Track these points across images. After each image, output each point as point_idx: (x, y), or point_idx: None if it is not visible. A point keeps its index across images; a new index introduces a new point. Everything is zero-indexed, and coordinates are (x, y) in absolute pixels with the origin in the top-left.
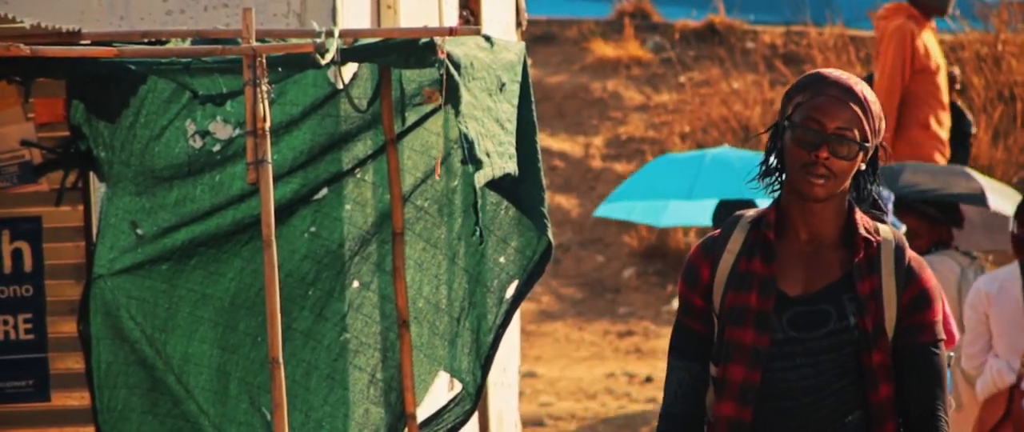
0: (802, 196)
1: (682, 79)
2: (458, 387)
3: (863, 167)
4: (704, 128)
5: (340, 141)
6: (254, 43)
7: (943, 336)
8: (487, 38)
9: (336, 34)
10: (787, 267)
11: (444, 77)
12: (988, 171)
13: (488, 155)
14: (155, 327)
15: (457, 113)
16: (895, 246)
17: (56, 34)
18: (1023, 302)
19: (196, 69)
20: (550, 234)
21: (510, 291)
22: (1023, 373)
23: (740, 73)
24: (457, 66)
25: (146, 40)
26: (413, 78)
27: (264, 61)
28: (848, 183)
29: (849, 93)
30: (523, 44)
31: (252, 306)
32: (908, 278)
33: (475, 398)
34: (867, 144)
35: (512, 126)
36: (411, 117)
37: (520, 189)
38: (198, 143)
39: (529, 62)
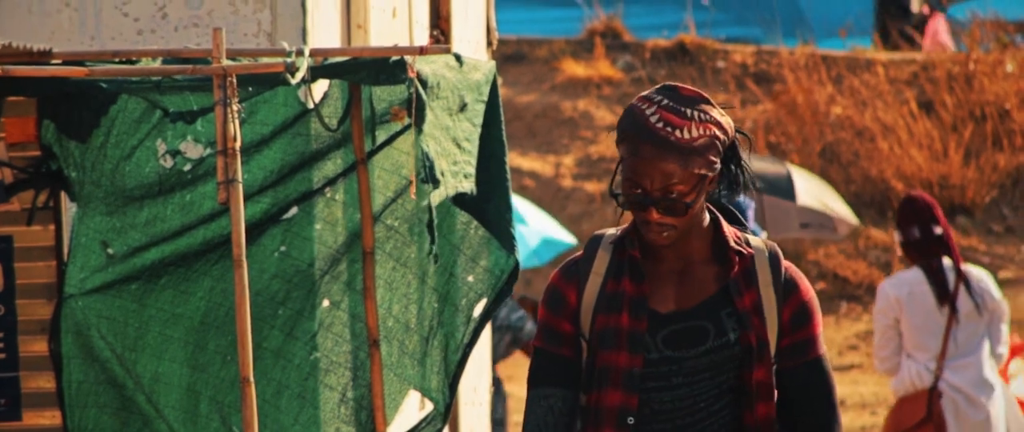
0: (649, 244)
1: None
2: (429, 406)
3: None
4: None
5: (310, 160)
6: (225, 62)
7: (825, 350)
8: (457, 57)
9: (306, 53)
10: (658, 285)
11: (414, 96)
12: (960, 191)
13: (442, 174)
14: (125, 346)
15: (419, 132)
16: (768, 256)
17: (27, 53)
18: (936, 304)
19: (167, 87)
20: (518, 253)
21: (478, 310)
22: (940, 375)
23: (711, 92)
24: (424, 84)
25: (117, 59)
26: (383, 96)
27: (234, 80)
28: (702, 211)
29: (665, 145)
30: (493, 63)
31: (222, 325)
32: (787, 290)
33: (445, 417)
34: (706, 179)
35: (471, 146)
36: (381, 136)
37: (487, 208)
38: (169, 163)
39: (499, 81)
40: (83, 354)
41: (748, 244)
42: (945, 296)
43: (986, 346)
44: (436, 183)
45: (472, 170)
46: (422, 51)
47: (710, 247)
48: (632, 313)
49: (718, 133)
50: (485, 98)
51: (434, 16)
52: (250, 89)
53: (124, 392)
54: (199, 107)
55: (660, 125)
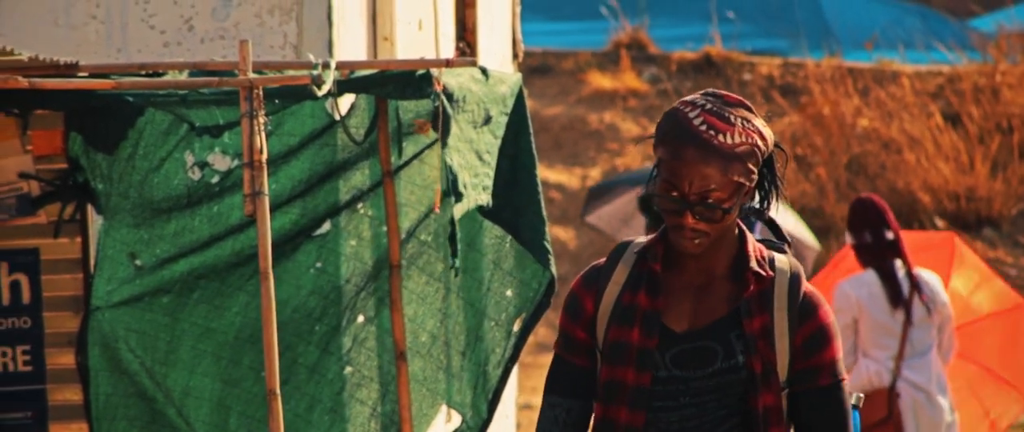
0: (680, 251)
1: None
2: (456, 420)
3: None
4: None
5: (338, 171)
6: (251, 75)
7: (844, 374)
8: (483, 70)
9: (333, 66)
10: (674, 301)
11: (440, 109)
12: (986, 203)
13: (465, 187)
14: (155, 360)
15: (444, 145)
16: (789, 279)
17: (54, 66)
18: (888, 306)
19: (193, 101)
20: (553, 266)
21: (517, 325)
22: (898, 374)
23: None
24: (450, 97)
25: (143, 72)
26: (410, 109)
27: (261, 93)
28: (734, 222)
29: (708, 149)
30: (519, 76)
31: (257, 340)
32: (802, 315)
33: (480, 431)
34: (744, 186)
35: (491, 158)
36: (408, 149)
37: (521, 222)
38: (197, 174)
39: (526, 94)
40: (111, 367)
41: (772, 264)
42: (899, 299)
43: (935, 347)
44: (459, 197)
45: (491, 183)
46: (448, 64)
47: (732, 264)
48: (643, 329)
49: (759, 142)
50: (510, 110)
51: (460, 29)
52: (276, 102)
53: (154, 405)
54: (225, 120)
55: (704, 128)
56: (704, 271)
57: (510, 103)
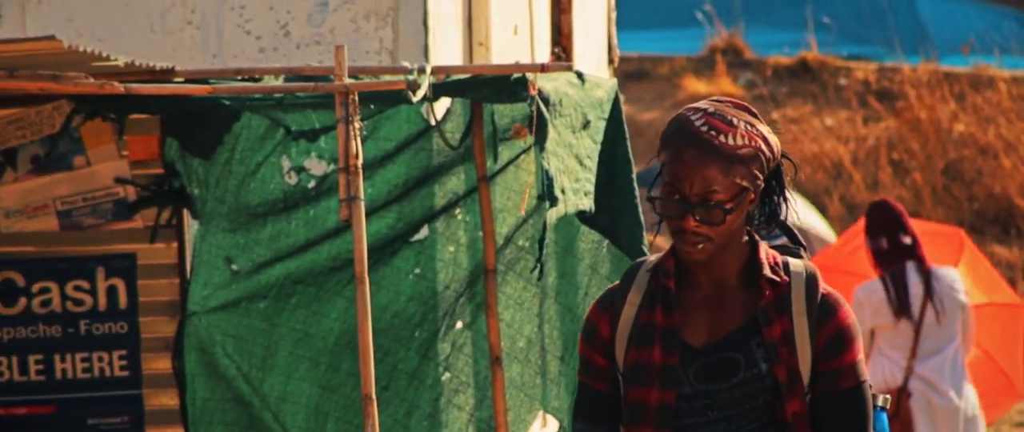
0: (684, 258)
1: (774, 115)
2: (553, 426)
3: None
4: (797, 164)
5: (434, 175)
6: (347, 80)
7: (866, 377)
8: (578, 74)
9: (428, 71)
10: (690, 316)
11: (534, 113)
12: None
13: (563, 191)
14: (252, 365)
15: (541, 149)
16: (806, 281)
17: (150, 72)
18: (890, 310)
19: (289, 105)
20: None
21: None
22: (910, 374)
23: (833, 109)
24: (546, 101)
25: (239, 77)
26: (506, 113)
27: (356, 98)
28: (739, 229)
29: (708, 149)
30: (615, 81)
31: (356, 346)
32: (822, 317)
33: None
34: (747, 191)
35: (592, 163)
36: (504, 153)
37: (618, 227)
38: (293, 179)
39: (621, 99)
40: (207, 371)
41: (786, 268)
42: (905, 308)
43: (956, 342)
44: (553, 201)
45: (592, 187)
46: (543, 68)
47: (745, 273)
48: (664, 347)
49: (763, 147)
50: (606, 115)
51: (556, 33)
52: (371, 107)
53: (251, 410)
54: (321, 125)
55: (705, 129)
56: (716, 283)
57: (606, 108)
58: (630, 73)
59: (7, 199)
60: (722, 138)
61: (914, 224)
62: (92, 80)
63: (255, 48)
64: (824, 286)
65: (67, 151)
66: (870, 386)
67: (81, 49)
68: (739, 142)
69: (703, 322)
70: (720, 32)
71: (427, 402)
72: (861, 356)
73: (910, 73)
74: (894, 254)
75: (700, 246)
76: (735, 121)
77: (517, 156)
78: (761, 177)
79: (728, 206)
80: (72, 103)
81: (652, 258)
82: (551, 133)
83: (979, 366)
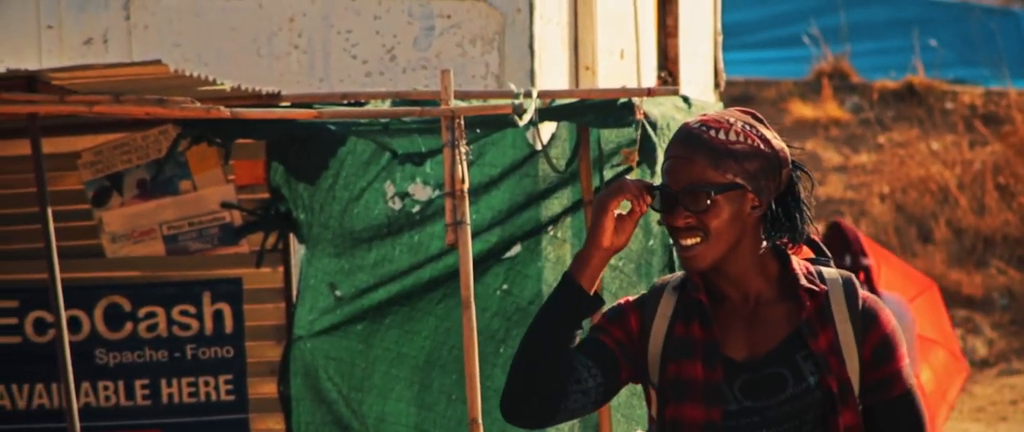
0: (684, 266)
1: (881, 140)
2: None
3: (772, 206)
4: (903, 189)
5: (537, 199)
6: (453, 104)
7: (913, 381)
8: (685, 99)
9: (534, 95)
10: (727, 330)
11: (639, 137)
12: None
13: None
14: (351, 387)
15: (652, 173)
16: (844, 289)
17: (256, 96)
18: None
19: (395, 130)
20: None
21: None
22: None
23: (939, 133)
24: (653, 126)
25: (345, 101)
26: (611, 138)
27: (462, 122)
28: (743, 232)
29: (697, 143)
30: (721, 105)
31: (446, 364)
32: (866, 324)
33: None
34: (741, 187)
35: None
36: (609, 176)
37: None
38: (397, 204)
39: None
40: (312, 395)
41: (821, 278)
42: None
43: None
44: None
45: None
46: (650, 93)
47: (778, 286)
48: (706, 361)
49: (763, 147)
50: None
51: (662, 58)
52: (478, 131)
53: None
54: (428, 149)
55: (697, 126)
56: (746, 296)
57: None
58: (736, 97)
59: (113, 224)
60: (713, 133)
61: (892, 258)
62: (198, 105)
63: (361, 72)
64: (862, 291)
65: (173, 175)
66: (919, 390)
67: (187, 74)
68: (732, 138)
69: (740, 337)
70: (826, 56)
71: None
72: (907, 361)
73: (1017, 97)
74: (854, 273)
75: (693, 242)
76: (732, 121)
77: (618, 176)
78: (763, 180)
79: (715, 195)
80: (178, 127)
81: (670, 277)
82: (660, 157)
83: (928, 351)
